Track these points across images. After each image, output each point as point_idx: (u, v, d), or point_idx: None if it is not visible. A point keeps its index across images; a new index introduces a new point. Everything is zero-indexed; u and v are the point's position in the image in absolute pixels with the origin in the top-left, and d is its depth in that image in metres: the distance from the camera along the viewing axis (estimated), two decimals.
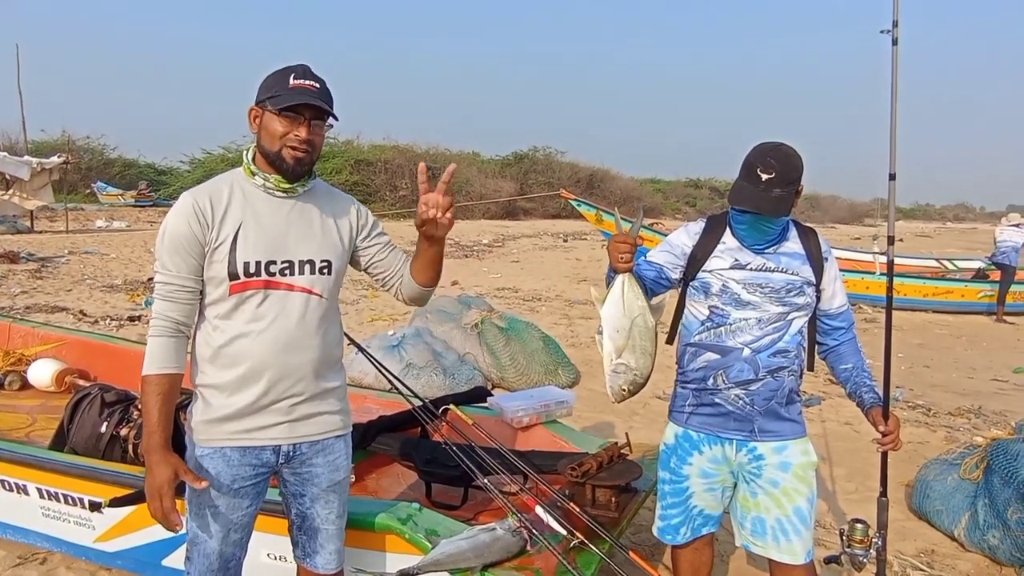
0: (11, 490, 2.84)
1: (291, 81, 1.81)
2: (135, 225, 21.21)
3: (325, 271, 1.93)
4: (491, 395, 3.52)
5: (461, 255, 17.07)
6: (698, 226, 2.28)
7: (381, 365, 3.10)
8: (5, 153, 18.41)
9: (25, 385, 4.43)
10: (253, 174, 1.87)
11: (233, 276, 1.81)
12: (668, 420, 2.35)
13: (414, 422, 3.27)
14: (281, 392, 1.88)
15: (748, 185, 2.08)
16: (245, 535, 1.96)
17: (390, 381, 3.09)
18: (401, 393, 3.12)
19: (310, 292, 1.89)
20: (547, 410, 3.35)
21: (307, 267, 1.89)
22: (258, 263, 1.82)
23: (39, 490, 2.78)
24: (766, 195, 2.05)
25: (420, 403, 3.16)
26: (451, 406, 3.30)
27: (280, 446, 1.92)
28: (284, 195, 1.88)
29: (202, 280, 1.84)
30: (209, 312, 1.87)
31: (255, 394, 1.85)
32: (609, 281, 2.10)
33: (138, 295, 9.60)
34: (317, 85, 1.83)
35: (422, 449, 3.09)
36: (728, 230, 2.22)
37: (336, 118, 1.87)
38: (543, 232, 26.30)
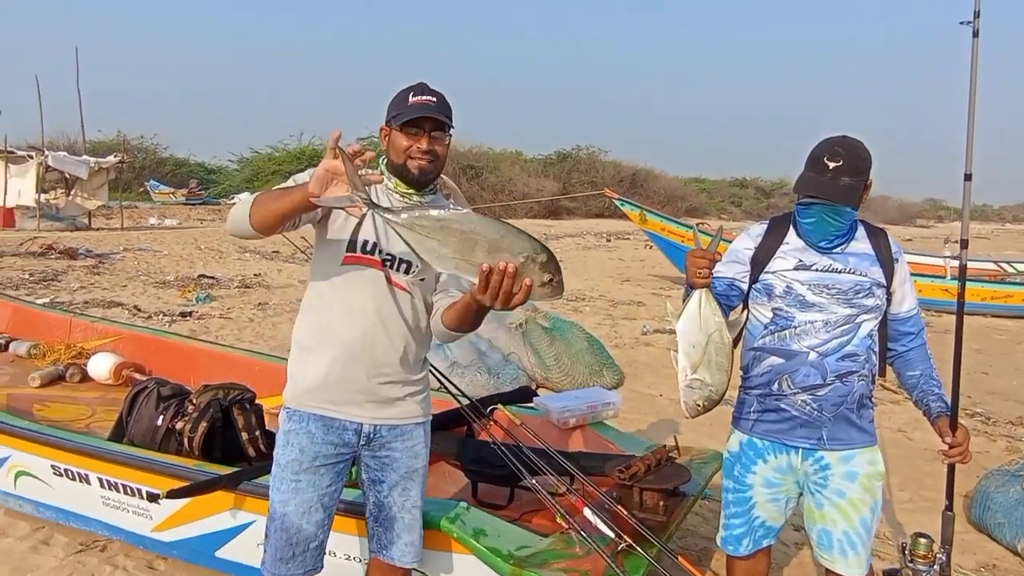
0: (74, 479, 2.93)
1: (411, 99, 1.95)
2: (185, 223, 21.76)
3: (422, 277, 2.04)
4: (537, 395, 3.51)
5: None
6: (760, 228, 2.23)
7: (430, 363, 3.11)
8: (65, 153, 19.07)
9: (85, 377, 4.57)
10: (382, 174, 2.01)
11: (351, 247, 1.96)
12: (732, 427, 2.31)
13: (460, 421, 3.28)
14: (368, 372, 2.00)
15: (815, 175, 2.03)
16: (325, 517, 2.04)
17: (438, 379, 3.11)
18: (449, 391, 3.13)
19: (405, 289, 2.03)
20: (593, 411, 3.33)
21: (403, 267, 2.02)
22: (375, 244, 1.98)
23: (100, 480, 2.87)
24: (834, 183, 2.00)
25: (467, 402, 3.17)
26: (498, 405, 3.31)
27: (361, 425, 2.03)
28: (402, 199, 2.01)
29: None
30: (316, 281, 2.03)
31: (344, 368, 1.98)
32: (685, 296, 2.07)
33: (189, 291, 9.84)
34: (434, 99, 1.95)
35: (469, 448, 3.10)
36: (792, 230, 2.17)
37: (453, 127, 2.00)
38: (586, 232, 26.18)
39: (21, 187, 17.48)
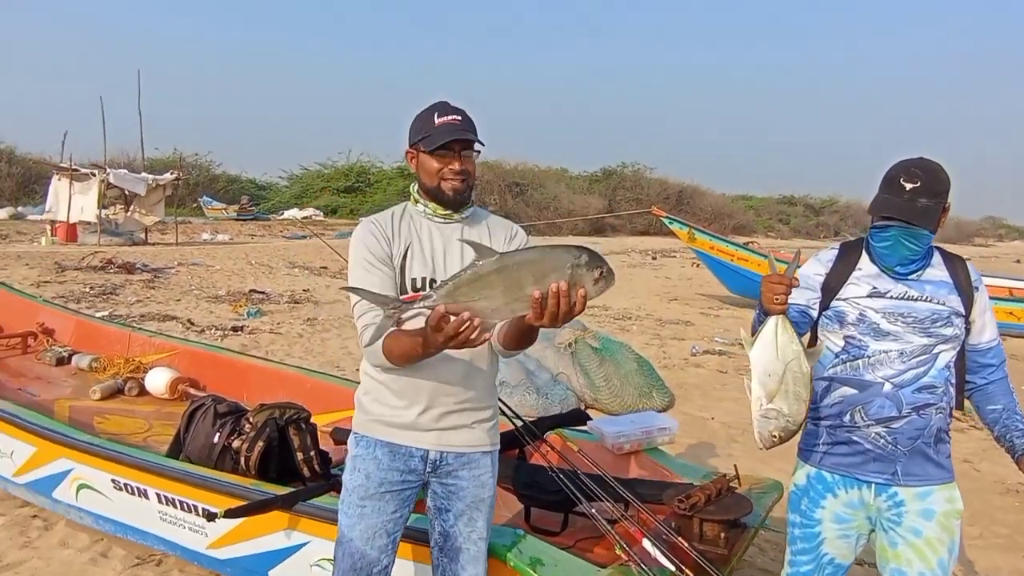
0: (133, 494, 2.98)
1: (436, 120, 1.95)
2: (237, 238, 22.27)
3: None
4: (590, 419, 3.45)
5: None
6: (830, 253, 2.16)
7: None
8: (125, 170, 19.71)
9: (142, 391, 4.66)
10: (417, 202, 2.04)
11: (402, 291, 1.97)
12: (798, 459, 2.22)
13: (513, 443, 3.23)
14: (435, 400, 1.99)
15: (891, 196, 1.96)
16: (391, 543, 2.04)
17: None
18: (503, 412, 3.09)
19: None
20: (648, 437, 3.26)
21: None
22: (424, 279, 1.98)
23: (158, 495, 2.90)
24: (911, 204, 1.93)
25: (520, 424, 3.13)
26: (551, 429, 3.26)
27: (427, 452, 2.01)
28: (443, 220, 2.03)
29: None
30: None
31: (411, 399, 1.99)
32: (756, 322, 2.01)
33: (240, 306, 10.03)
34: (459, 118, 1.96)
35: (522, 472, 3.05)
36: (865, 255, 2.09)
37: (482, 143, 2.00)
38: (631, 249, 26.01)
39: (84, 203, 18.12)
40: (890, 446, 2.01)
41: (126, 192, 19.32)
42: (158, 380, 4.62)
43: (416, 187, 2.05)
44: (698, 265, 16.73)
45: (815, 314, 2.13)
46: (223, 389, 4.54)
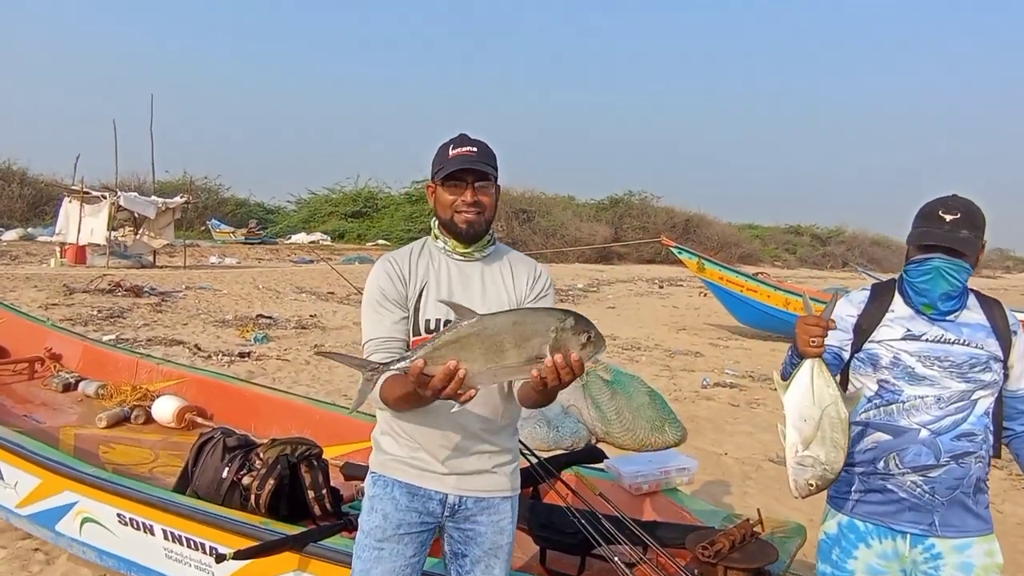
0: (139, 529, 2.90)
1: (451, 152, 1.92)
2: (244, 262, 22.31)
3: None
4: (607, 457, 3.37)
5: (557, 300, 16.99)
6: (862, 295, 2.10)
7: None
8: (135, 193, 19.82)
9: (149, 419, 4.60)
10: (437, 237, 2.00)
11: (415, 332, 1.93)
12: (828, 506, 2.14)
13: (527, 481, 3.15)
14: (455, 443, 1.94)
15: (931, 228, 1.92)
16: None
17: None
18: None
19: None
20: (667, 477, 3.18)
21: None
22: (438, 320, 1.92)
23: (165, 532, 2.83)
24: (953, 234, 1.89)
25: (536, 460, 3.06)
26: (567, 466, 3.18)
27: (446, 496, 1.95)
28: (462, 258, 1.99)
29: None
30: None
31: (430, 441, 1.93)
32: (789, 365, 1.95)
33: (247, 331, 9.99)
34: (475, 149, 1.92)
35: (537, 512, 2.97)
36: (898, 297, 2.03)
37: (496, 174, 1.96)
38: (638, 277, 25.96)
39: (94, 226, 18.18)
40: (927, 495, 1.93)
41: (136, 215, 19.42)
42: (165, 409, 4.56)
43: (436, 222, 2.01)
44: (705, 294, 16.66)
45: (847, 356, 2.07)
46: (231, 419, 4.48)
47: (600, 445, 5.63)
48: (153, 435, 4.47)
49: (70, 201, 18.64)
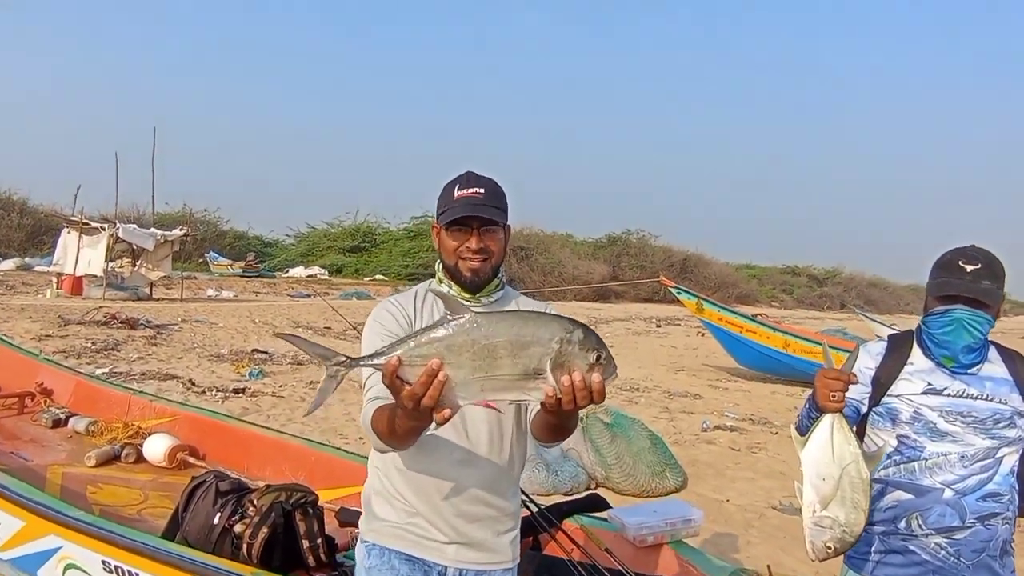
0: None
1: (456, 194, 1.80)
2: (242, 295, 22.23)
3: None
4: (609, 506, 3.27)
5: None
6: (879, 346, 2.05)
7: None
8: (135, 225, 19.85)
9: (140, 458, 4.48)
10: (441, 281, 1.89)
11: None
12: (846, 566, 2.06)
13: (527, 530, 3.04)
14: (454, 508, 1.79)
15: (951, 278, 1.88)
16: None
17: None
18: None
19: (487, 405, 1.71)
20: (673, 529, 3.08)
21: None
22: None
23: None
24: (975, 284, 1.85)
25: (536, 509, 2.96)
26: (568, 516, 3.09)
27: (446, 568, 1.80)
28: (467, 304, 1.82)
29: None
30: None
31: (426, 505, 1.79)
32: (806, 418, 1.89)
33: (243, 366, 9.88)
34: (482, 191, 1.79)
35: (540, 565, 2.86)
36: (917, 349, 1.98)
37: (506, 219, 1.84)
38: (635, 316, 25.91)
39: (91, 256, 18.16)
40: (952, 559, 1.86)
41: (134, 246, 19.40)
42: (156, 447, 4.44)
43: (440, 265, 1.90)
44: (703, 334, 16.60)
45: (864, 410, 2.00)
46: (224, 459, 4.37)
47: (600, 490, 5.52)
48: (143, 475, 4.35)
49: (69, 232, 18.66)
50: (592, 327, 1.48)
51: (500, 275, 1.88)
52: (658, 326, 23.16)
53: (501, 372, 1.37)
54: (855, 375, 1.83)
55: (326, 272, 34.10)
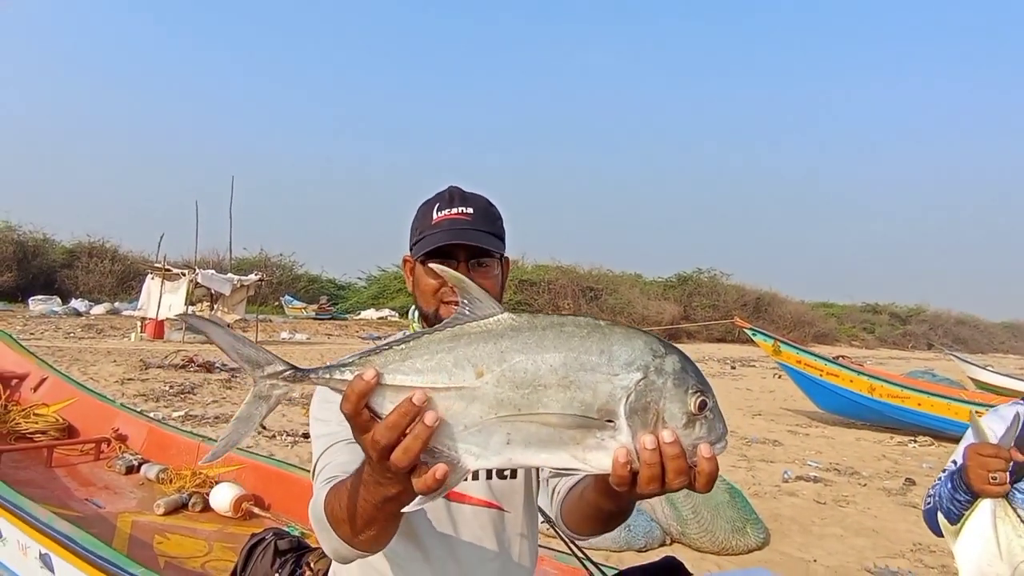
0: None
1: (435, 215, 1.35)
2: (314, 337, 22.69)
3: (508, 474, 1.40)
4: (690, 574, 3.02)
5: None
6: (1010, 409, 1.79)
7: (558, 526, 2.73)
8: (213, 271, 20.62)
9: (206, 507, 4.48)
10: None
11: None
12: None
13: None
14: None
15: None
16: None
17: (565, 541, 2.71)
18: (581, 561, 2.72)
19: (489, 506, 1.38)
20: None
21: (482, 471, 1.35)
22: None
23: None
24: None
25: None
26: None
27: None
28: None
29: None
30: None
31: None
32: (949, 500, 1.64)
33: None
34: (470, 211, 1.35)
35: None
36: None
37: (503, 248, 1.38)
38: (708, 357, 25.20)
39: (172, 301, 18.94)
40: None
41: (212, 291, 20.14)
42: (223, 497, 4.43)
43: (415, 313, 1.48)
44: (780, 376, 15.92)
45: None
46: (287, 509, 4.32)
47: (675, 546, 5.22)
48: (209, 524, 4.33)
49: (152, 278, 19.52)
50: (690, 359, 0.96)
51: None
52: (732, 367, 22.43)
53: (544, 410, 0.85)
54: (1018, 451, 1.54)
55: (396, 314, 34.60)
